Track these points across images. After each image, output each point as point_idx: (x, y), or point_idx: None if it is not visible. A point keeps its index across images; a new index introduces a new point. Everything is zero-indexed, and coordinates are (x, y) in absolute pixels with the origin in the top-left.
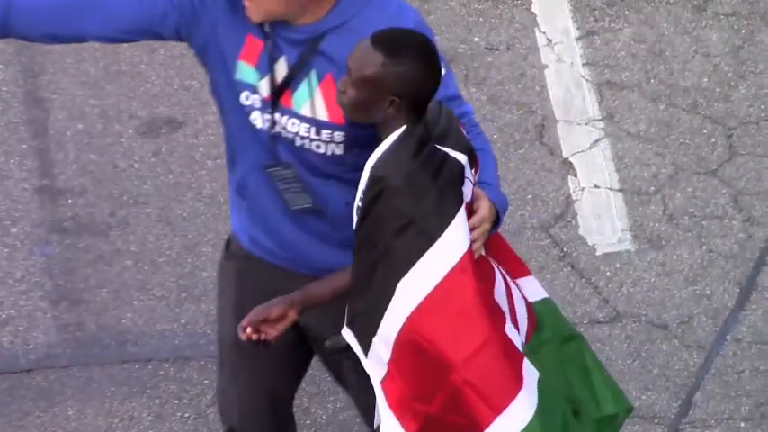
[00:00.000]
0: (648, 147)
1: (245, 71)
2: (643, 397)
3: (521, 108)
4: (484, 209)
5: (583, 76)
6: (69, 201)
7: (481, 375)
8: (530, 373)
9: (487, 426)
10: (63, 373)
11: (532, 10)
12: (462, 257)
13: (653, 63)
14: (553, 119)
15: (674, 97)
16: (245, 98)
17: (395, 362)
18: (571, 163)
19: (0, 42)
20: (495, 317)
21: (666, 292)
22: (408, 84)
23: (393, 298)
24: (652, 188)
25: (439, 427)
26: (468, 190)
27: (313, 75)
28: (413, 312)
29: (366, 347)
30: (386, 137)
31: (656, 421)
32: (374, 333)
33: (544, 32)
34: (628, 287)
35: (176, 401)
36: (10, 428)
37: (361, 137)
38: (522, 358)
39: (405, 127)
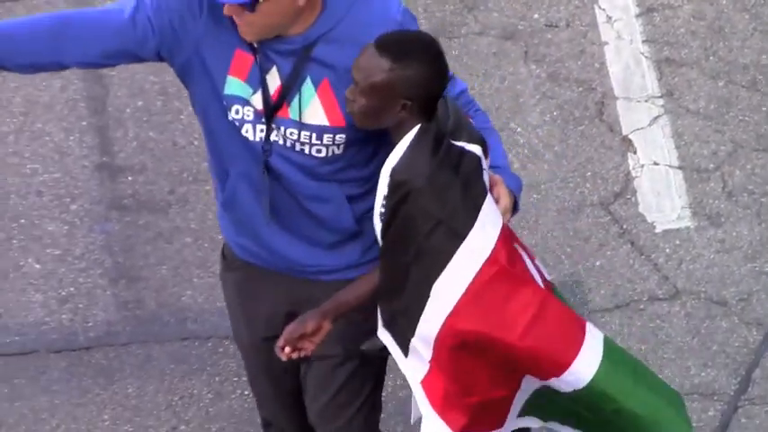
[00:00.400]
0: (708, 124)
1: (236, 86)
2: (702, 374)
3: (580, 85)
4: (504, 198)
5: (642, 53)
6: (129, 178)
7: (545, 337)
8: (592, 328)
9: (566, 370)
10: (122, 351)
11: None
12: (495, 248)
13: (712, 40)
14: (612, 96)
15: (733, 74)
16: (236, 112)
17: (437, 359)
18: (630, 140)
19: None
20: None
21: (726, 269)
22: (418, 85)
23: (429, 299)
24: (711, 165)
25: (488, 409)
26: (486, 179)
27: (309, 82)
28: (453, 310)
29: (405, 348)
30: (399, 140)
31: (715, 398)
32: (413, 334)
33: (604, 9)
34: (687, 264)
35: (236, 379)
36: (69, 406)
37: (360, 136)
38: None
39: (418, 127)
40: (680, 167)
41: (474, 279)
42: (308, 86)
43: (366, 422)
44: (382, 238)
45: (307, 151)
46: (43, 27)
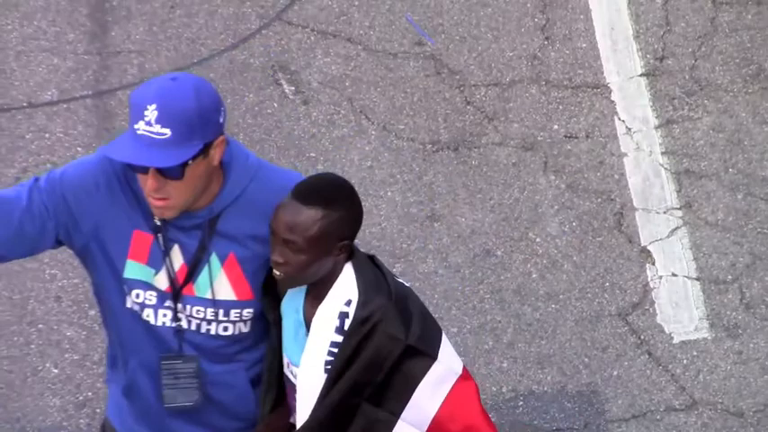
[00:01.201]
0: (726, 236)
1: (136, 269)
2: None
3: (599, 196)
4: None
5: (661, 165)
6: None
7: None
8: None
9: None
10: None
11: (612, 98)
12: (464, 367)
13: (731, 152)
14: (632, 207)
15: (752, 186)
16: (136, 296)
17: None
18: (649, 251)
19: None
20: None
21: (743, 381)
22: (352, 222)
23: (398, 422)
24: (729, 277)
25: None
26: None
27: (214, 258)
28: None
29: None
30: (331, 284)
31: None
32: None
33: (623, 121)
34: (704, 375)
35: None
36: None
37: (258, 311)
38: None
39: (351, 261)
40: (698, 279)
41: (449, 394)
42: (213, 262)
43: None
44: (331, 386)
45: (213, 331)
46: None
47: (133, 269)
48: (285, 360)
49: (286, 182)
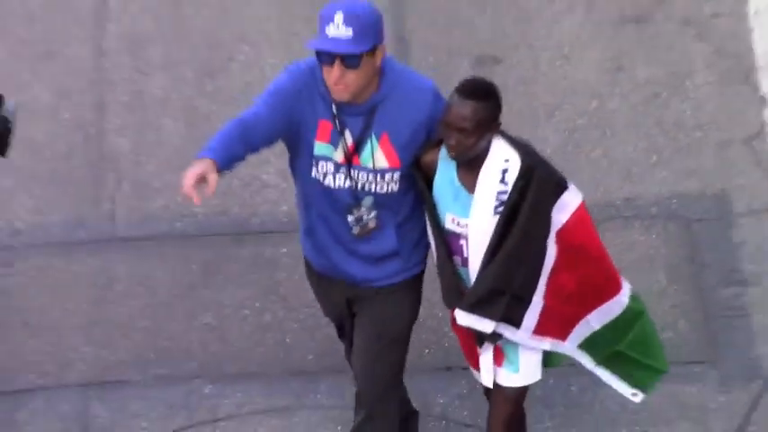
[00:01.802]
0: None
1: (322, 147)
2: None
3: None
4: None
5: None
6: None
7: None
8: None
9: (620, 291)
10: None
11: None
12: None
13: None
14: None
15: None
16: (321, 167)
17: (548, 289)
18: None
19: None
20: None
21: None
22: (499, 107)
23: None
24: None
25: (564, 320)
26: None
27: (373, 137)
28: (563, 227)
29: (519, 318)
30: (487, 152)
31: None
32: (533, 291)
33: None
34: None
35: None
36: None
37: (408, 172)
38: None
39: (500, 132)
40: None
41: (576, 209)
42: (373, 140)
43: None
44: (504, 227)
45: (373, 189)
46: (235, 135)
47: (320, 147)
48: (449, 217)
49: (420, 84)
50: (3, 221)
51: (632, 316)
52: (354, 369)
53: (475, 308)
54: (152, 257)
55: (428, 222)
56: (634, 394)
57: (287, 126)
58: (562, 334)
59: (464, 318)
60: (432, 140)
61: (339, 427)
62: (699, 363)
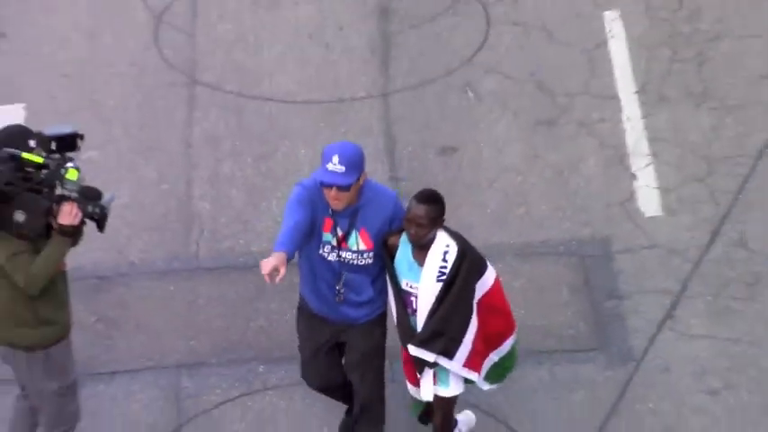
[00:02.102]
0: None
1: (326, 236)
2: None
3: None
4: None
5: None
6: None
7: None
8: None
9: (511, 334)
10: None
11: None
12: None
13: None
14: None
15: None
16: (324, 248)
17: (477, 335)
18: None
19: None
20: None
21: None
22: (443, 208)
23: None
24: None
25: (480, 357)
26: None
27: (355, 231)
28: (480, 300)
29: (451, 350)
30: (432, 240)
31: None
32: (463, 335)
33: None
34: None
35: None
36: None
37: (378, 251)
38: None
39: (442, 228)
40: None
41: (494, 282)
42: (356, 231)
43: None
44: (447, 288)
45: (355, 262)
46: (294, 233)
47: (325, 236)
48: (405, 282)
49: (386, 194)
50: (123, 258)
51: (513, 349)
52: (351, 377)
53: (422, 344)
54: (224, 281)
55: (389, 283)
56: (490, 387)
57: (313, 223)
58: (479, 369)
59: (414, 350)
60: (393, 230)
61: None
62: (591, 350)
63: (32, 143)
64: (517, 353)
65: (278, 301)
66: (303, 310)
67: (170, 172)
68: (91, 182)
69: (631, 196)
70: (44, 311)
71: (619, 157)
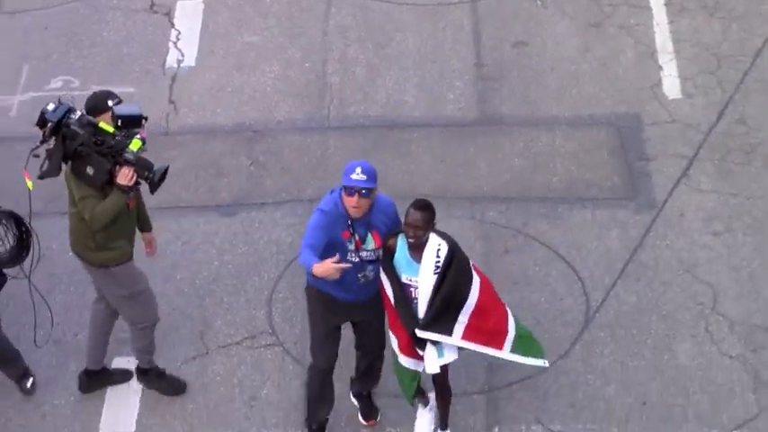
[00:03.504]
0: None
1: (347, 244)
2: None
3: None
4: None
5: None
6: None
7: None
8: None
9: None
10: None
11: None
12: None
13: None
14: None
15: None
16: (349, 255)
17: (471, 319)
18: None
19: None
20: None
21: None
22: (434, 214)
23: (468, 298)
24: None
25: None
26: None
27: (369, 233)
28: (478, 298)
29: (450, 329)
30: (427, 240)
31: None
32: (456, 317)
33: None
34: None
35: None
36: None
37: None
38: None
39: (434, 230)
40: None
41: (482, 282)
42: (370, 235)
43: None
44: (441, 283)
45: (370, 258)
46: (313, 254)
47: (345, 245)
48: (405, 277)
49: (388, 202)
50: (272, 116)
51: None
52: (365, 342)
53: (427, 327)
54: (348, 137)
55: (387, 277)
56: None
57: (330, 244)
58: (499, 345)
59: (421, 333)
60: (391, 233)
61: None
62: (624, 198)
63: (110, 102)
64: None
65: (390, 154)
66: (321, 297)
67: (310, 53)
68: (251, 62)
69: (659, 82)
70: (102, 240)
71: (650, 53)
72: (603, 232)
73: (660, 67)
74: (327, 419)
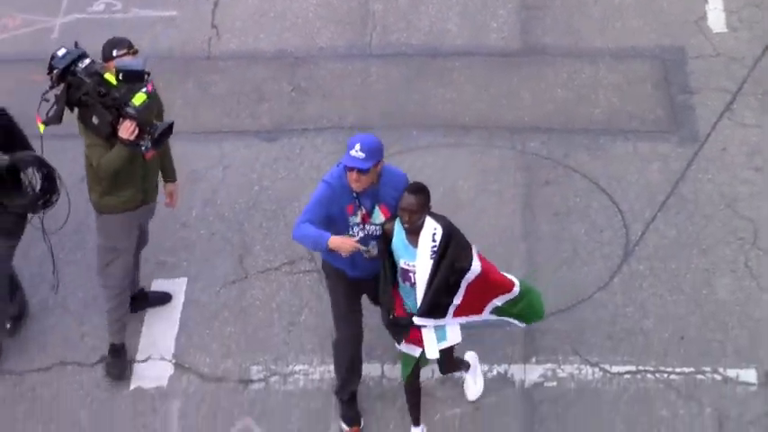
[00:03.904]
0: None
1: (352, 219)
2: None
3: None
4: None
5: None
6: None
7: (503, 279)
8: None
9: (512, 288)
10: None
11: None
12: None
13: None
14: None
15: None
16: (351, 228)
17: (464, 298)
18: None
19: None
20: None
21: None
22: (429, 198)
23: (466, 275)
24: None
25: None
26: None
27: (376, 206)
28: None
29: (445, 311)
30: (422, 225)
31: None
32: (452, 300)
33: None
34: None
35: None
36: None
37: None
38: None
39: (429, 214)
40: None
41: (480, 272)
42: (377, 208)
43: None
44: (437, 264)
45: (376, 233)
46: (317, 227)
47: (352, 219)
48: (402, 261)
49: (398, 174)
50: (314, 43)
51: (522, 296)
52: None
53: (424, 314)
54: (390, 64)
55: (384, 262)
56: (520, 322)
57: (328, 218)
58: (479, 311)
59: (419, 320)
60: (391, 218)
61: None
62: (666, 131)
63: (115, 52)
64: (533, 302)
65: (432, 83)
66: (340, 276)
67: None
68: None
69: (704, 15)
70: (108, 187)
71: None
72: (645, 165)
73: (705, 1)
74: (356, 390)
